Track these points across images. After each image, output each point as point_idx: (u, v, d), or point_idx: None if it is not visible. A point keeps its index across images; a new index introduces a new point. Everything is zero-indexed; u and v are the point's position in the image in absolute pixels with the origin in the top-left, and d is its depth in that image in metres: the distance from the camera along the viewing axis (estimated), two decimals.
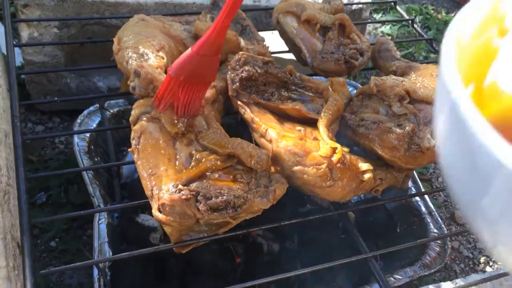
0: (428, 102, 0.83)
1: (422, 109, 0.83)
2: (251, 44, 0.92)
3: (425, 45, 1.76)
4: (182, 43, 0.89)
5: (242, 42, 0.89)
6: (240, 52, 0.82)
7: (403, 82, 0.86)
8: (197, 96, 0.71)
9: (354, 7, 1.26)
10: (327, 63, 0.93)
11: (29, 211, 0.69)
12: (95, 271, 0.83)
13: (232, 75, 0.81)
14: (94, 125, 1.09)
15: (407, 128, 0.75)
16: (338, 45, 0.97)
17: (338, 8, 1.09)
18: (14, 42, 0.90)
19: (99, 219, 0.91)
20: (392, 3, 1.24)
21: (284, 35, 1.00)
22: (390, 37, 1.80)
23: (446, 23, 1.91)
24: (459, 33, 0.33)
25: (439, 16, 1.96)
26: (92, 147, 1.07)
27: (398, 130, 0.75)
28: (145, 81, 0.73)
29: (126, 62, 0.80)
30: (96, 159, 1.06)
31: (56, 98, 0.99)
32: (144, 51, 0.80)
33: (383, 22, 1.79)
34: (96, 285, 0.82)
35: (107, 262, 0.87)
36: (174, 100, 0.70)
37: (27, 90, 1.21)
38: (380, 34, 1.81)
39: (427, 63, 1.41)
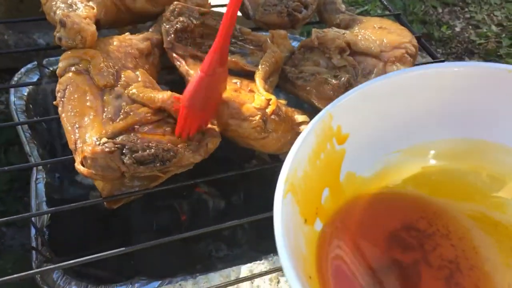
0: (368, 54, 0.82)
1: (362, 61, 0.82)
2: None
3: (380, 2, 1.74)
4: None
5: None
6: (175, 2, 0.78)
7: (345, 35, 0.85)
8: (212, 109, 0.68)
9: None
10: (269, 16, 0.91)
11: None
12: (33, 230, 0.81)
13: (167, 26, 0.78)
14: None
15: (343, 79, 0.74)
16: None
17: None
18: None
19: (37, 179, 0.88)
20: None
21: None
22: None
23: None
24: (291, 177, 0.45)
25: None
26: (31, 105, 1.02)
27: (334, 81, 0.74)
28: (71, 32, 0.70)
29: (53, 12, 0.76)
30: (35, 118, 1.02)
31: None
32: (73, 1, 0.77)
33: None
34: (33, 243, 0.80)
35: (45, 222, 0.85)
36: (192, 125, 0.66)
37: None
38: None
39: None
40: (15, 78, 1.03)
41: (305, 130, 0.48)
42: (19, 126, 0.96)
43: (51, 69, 1.08)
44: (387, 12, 1.16)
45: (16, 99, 1.00)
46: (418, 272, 0.48)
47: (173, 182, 0.70)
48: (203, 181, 0.75)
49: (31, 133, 0.96)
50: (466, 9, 1.85)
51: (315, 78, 0.76)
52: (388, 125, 0.56)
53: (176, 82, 0.91)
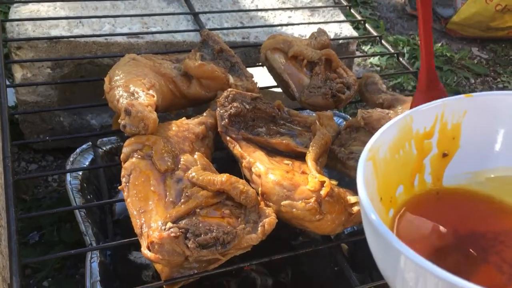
0: None
1: None
2: (240, 80, 0.93)
3: (414, 75, 1.79)
4: (172, 81, 0.91)
5: (231, 79, 0.91)
6: (229, 89, 0.83)
7: (389, 115, 0.88)
8: None
9: (340, 41, 1.30)
10: (314, 97, 0.95)
11: (19, 252, 0.69)
12: None
13: (221, 111, 0.82)
14: (87, 163, 1.10)
15: None
16: (325, 79, 0.99)
17: (325, 43, 1.12)
18: (8, 83, 0.92)
19: (91, 258, 0.91)
20: (378, 38, 1.28)
21: (272, 71, 1.02)
22: (378, 68, 1.84)
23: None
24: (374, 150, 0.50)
25: None
26: (85, 184, 1.07)
27: None
28: (135, 119, 0.75)
29: (117, 100, 0.81)
30: (88, 197, 1.06)
31: (47, 138, 1.01)
32: (135, 90, 0.82)
33: (369, 56, 1.83)
34: None
35: None
36: None
37: (20, 129, 1.22)
38: (369, 65, 1.85)
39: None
40: (71, 159, 1.09)
41: (388, 122, 0.53)
42: (76, 205, 1.00)
43: (104, 149, 1.14)
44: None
45: (72, 178, 1.04)
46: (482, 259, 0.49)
47: (229, 263, 0.71)
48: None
49: (85, 211, 1.00)
50: (499, 79, 1.88)
51: None
52: (470, 143, 0.57)
53: (223, 159, 0.95)
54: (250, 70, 1.01)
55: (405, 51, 1.93)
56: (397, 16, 2.21)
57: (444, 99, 0.55)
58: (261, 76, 1.10)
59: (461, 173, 0.57)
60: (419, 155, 0.56)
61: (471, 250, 0.52)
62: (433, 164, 0.56)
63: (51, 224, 1.12)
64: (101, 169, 1.11)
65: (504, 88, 1.84)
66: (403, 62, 1.22)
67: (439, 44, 2.02)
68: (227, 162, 0.95)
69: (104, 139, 1.14)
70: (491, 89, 1.83)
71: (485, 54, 2.02)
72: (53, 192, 1.20)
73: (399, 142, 0.53)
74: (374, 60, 1.86)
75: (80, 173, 1.07)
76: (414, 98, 0.74)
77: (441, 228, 0.53)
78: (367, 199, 0.44)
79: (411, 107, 0.70)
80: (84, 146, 1.12)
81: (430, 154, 0.56)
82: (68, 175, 1.04)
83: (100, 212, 1.08)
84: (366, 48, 1.91)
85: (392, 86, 1.75)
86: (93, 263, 0.90)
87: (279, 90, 1.08)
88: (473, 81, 1.86)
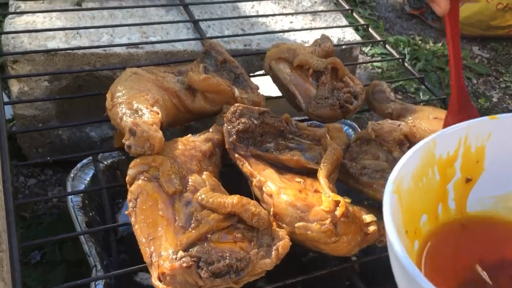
0: None
1: None
2: (245, 93, 0.91)
3: (419, 81, 1.77)
4: (175, 95, 0.88)
5: (236, 92, 0.89)
6: (236, 104, 0.81)
7: (401, 126, 0.86)
8: None
9: (344, 46, 1.27)
10: (322, 109, 0.93)
11: (22, 280, 0.67)
12: None
13: (229, 127, 0.79)
14: (88, 178, 1.06)
15: None
16: (332, 89, 0.96)
17: (329, 50, 1.09)
18: (5, 100, 0.88)
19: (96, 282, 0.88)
20: (382, 43, 1.25)
21: (277, 81, 1.00)
22: (380, 70, 1.81)
23: (434, 53, 1.93)
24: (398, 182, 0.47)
25: (427, 47, 1.98)
26: (87, 201, 1.04)
27: None
28: (141, 140, 0.72)
29: (120, 118, 0.79)
30: (90, 214, 1.03)
31: (48, 158, 0.98)
32: (138, 107, 0.79)
33: (373, 62, 1.80)
34: None
35: None
36: None
37: (18, 143, 1.19)
38: (370, 67, 1.82)
39: (420, 101, 1.42)
40: (72, 174, 1.05)
41: (410, 150, 0.50)
42: (78, 224, 0.97)
43: (105, 163, 1.10)
44: (433, 97, 1.18)
45: (73, 196, 1.01)
46: None
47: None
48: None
49: (89, 233, 0.97)
50: (501, 79, 1.86)
51: (381, 176, 0.75)
52: (494, 166, 0.55)
53: (227, 173, 0.92)
54: (253, 78, 0.98)
55: (406, 52, 1.90)
56: (396, 15, 2.19)
57: (468, 121, 0.53)
58: (264, 85, 1.08)
59: (486, 197, 0.55)
60: (442, 181, 0.53)
61: (499, 279, 0.50)
62: (456, 189, 0.54)
63: (53, 243, 1.09)
64: (103, 185, 1.08)
65: (507, 88, 1.82)
66: (409, 67, 1.20)
67: (440, 44, 2.00)
68: (232, 177, 0.92)
69: (105, 153, 1.11)
70: (493, 89, 1.81)
71: (486, 53, 2.00)
72: (53, 208, 1.17)
73: (422, 169, 0.50)
74: (377, 62, 1.84)
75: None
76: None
77: (468, 258, 0.51)
78: (396, 236, 0.41)
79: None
80: (84, 161, 1.08)
81: (453, 179, 0.54)
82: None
83: (103, 230, 1.05)
84: (366, 49, 1.88)
85: (395, 89, 1.72)
86: (98, 285, 0.88)
87: (283, 99, 1.06)
88: (475, 81, 1.84)
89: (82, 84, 1.18)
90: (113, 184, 1.05)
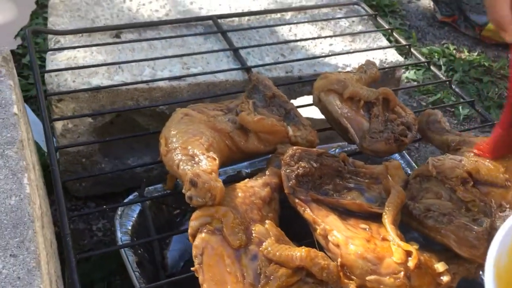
0: (493, 184, 0.79)
1: (487, 192, 0.79)
2: (298, 130, 0.89)
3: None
4: (228, 136, 0.86)
5: (291, 131, 0.87)
6: (294, 148, 0.78)
7: (463, 162, 0.83)
8: None
9: (386, 69, 1.24)
10: (377, 144, 0.90)
11: None
12: None
13: (287, 171, 0.77)
14: (135, 215, 1.05)
15: (485, 224, 0.70)
16: (385, 121, 0.93)
17: (375, 76, 1.07)
18: (55, 145, 0.88)
19: None
20: (407, 46, 1.22)
21: (327, 114, 0.97)
22: (415, 83, 1.78)
23: (470, 64, 1.88)
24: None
25: (462, 56, 1.94)
26: (135, 239, 1.03)
27: (476, 227, 0.70)
28: (202, 191, 0.70)
29: (176, 166, 0.77)
30: (139, 251, 1.02)
31: (104, 206, 0.97)
32: (194, 152, 0.78)
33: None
34: None
35: None
36: None
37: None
38: (405, 81, 1.79)
39: (459, 114, 1.38)
40: (119, 212, 1.05)
41: (502, 227, 0.50)
42: (129, 264, 0.96)
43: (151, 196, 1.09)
44: (461, 100, 1.15)
45: (122, 234, 1.01)
46: None
47: None
48: None
49: (140, 270, 0.96)
50: None
51: (450, 221, 0.72)
52: None
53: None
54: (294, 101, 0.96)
55: (441, 63, 1.86)
56: (428, 24, 2.14)
57: None
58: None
59: None
60: None
61: None
62: None
63: (101, 279, 1.08)
64: (150, 221, 1.07)
65: None
66: (435, 70, 1.17)
67: (475, 54, 1.95)
68: (288, 217, 0.90)
69: (150, 187, 1.10)
70: None
71: None
72: (99, 243, 1.16)
73: None
74: (410, 74, 1.80)
75: (130, 227, 1.03)
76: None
77: None
78: None
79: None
80: (130, 197, 1.08)
81: None
82: (118, 231, 1.00)
83: (152, 267, 1.04)
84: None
85: (432, 103, 1.68)
86: None
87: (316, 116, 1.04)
88: None
89: (125, 118, 1.17)
90: (166, 234, 1.03)
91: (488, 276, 0.43)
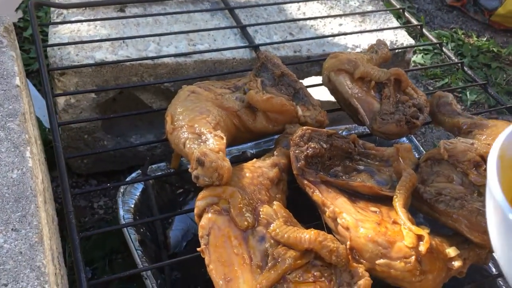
0: None
1: None
2: (307, 110, 0.86)
3: (462, 75, 1.70)
4: (236, 115, 0.84)
5: (300, 111, 0.84)
6: (304, 128, 0.76)
7: (475, 145, 0.81)
8: None
9: (397, 50, 1.21)
10: (388, 126, 0.88)
11: None
12: None
13: (296, 152, 0.75)
14: (138, 193, 1.04)
15: None
16: (396, 103, 0.91)
17: (386, 56, 1.05)
18: (58, 121, 0.86)
19: None
20: (418, 27, 1.20)
21: (337, 94, 0.95)
22: (423, 67, 1.75)
23: (479, 49, 1.85)
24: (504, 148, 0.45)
25: (471, 41, 1.90)
26: (137, 217, 1.01)
27: None
28: (209, 170, 0.68)
29: (183, 144, 0.75)
30: (142, 230, 1.01)
31: (108, 184, 0.95)
32: (201, 131, 0.76)
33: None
34: None
35: None
36: None
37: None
38: (412, 65, 1.76)
39: (467, 100, 1.36)
40: (121, 190, 1.03)
41: None
42: (131, 243, 0.94)
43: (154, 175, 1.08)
44: (471, 83, 1.13)
45: (125, 213, 0.99)
46: None
47: None
48: None
49: (142, 249, 0.94)
50: None
51: (462, 205, 0.71)
52: None
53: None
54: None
55: (450, 47, 1.83)
56: (436, 7, 2.10)
57: None
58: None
59: None
60: None
61: None
62: None
63: (103, 257, 1.07)
64: (153, 200, 1.06)
65: None
66: (447, 52, 1.14)
67: (484, 39, 1.91)
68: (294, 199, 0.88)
69: (153, 166, 1.08)
70: None
71: None
72: (101, 221, 1.15)
73: None
74: (418, 58, 1.77)
75: (132, 205, 1.01)
76: None
77: None
78: (505, 201, 0.40)
79: None
80: (133, 175, 1.06)
81: None
82: (120, 209, 0.99)
83: (154, 245, 1.03)
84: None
85: (440, 87, 1.66)
86: None
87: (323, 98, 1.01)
88: None
89: (128, 95, 1.15)
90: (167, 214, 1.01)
91: (492, 155, 0.44)
